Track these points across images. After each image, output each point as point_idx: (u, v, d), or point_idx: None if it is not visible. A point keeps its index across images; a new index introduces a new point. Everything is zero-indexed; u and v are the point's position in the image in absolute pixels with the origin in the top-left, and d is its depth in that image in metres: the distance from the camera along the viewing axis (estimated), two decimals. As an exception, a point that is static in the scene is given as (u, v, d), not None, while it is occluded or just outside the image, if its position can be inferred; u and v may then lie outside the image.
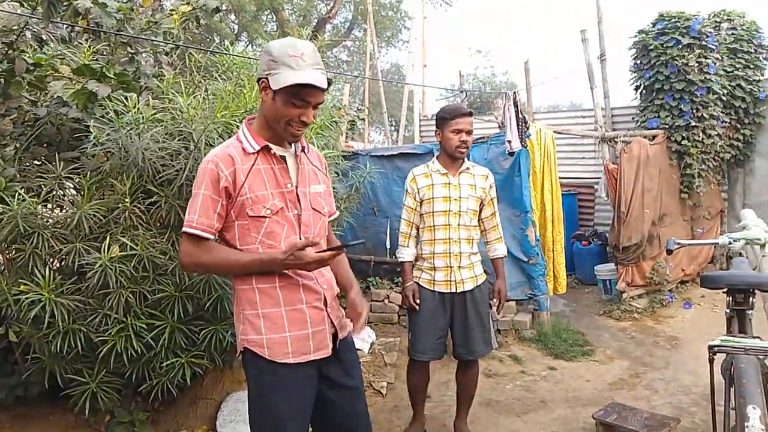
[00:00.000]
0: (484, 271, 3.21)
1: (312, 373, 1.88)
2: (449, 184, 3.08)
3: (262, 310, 1.82)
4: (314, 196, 1.95)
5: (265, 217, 1.80)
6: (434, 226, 3.07)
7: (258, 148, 1.82)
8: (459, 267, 3.07)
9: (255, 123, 1.88)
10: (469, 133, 3.03)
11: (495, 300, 3.21)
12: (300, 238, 1.85)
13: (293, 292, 1.84)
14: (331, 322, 1.92)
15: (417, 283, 3.12)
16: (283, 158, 1.88)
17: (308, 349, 1.85)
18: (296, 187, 1.88)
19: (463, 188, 3.08)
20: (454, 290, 3.07)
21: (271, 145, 1.85)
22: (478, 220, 3.18)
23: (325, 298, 1.90)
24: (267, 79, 1.75)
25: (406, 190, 3.16)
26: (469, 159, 3.21)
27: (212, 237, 1.82)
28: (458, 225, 3.06)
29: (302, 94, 1.75)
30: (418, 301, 3.08)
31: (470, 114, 3.06)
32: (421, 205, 3.11)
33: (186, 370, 2.77)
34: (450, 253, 3.06)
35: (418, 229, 3.16)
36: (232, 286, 1.90)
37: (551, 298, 5.48)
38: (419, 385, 3.30)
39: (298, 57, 1.72)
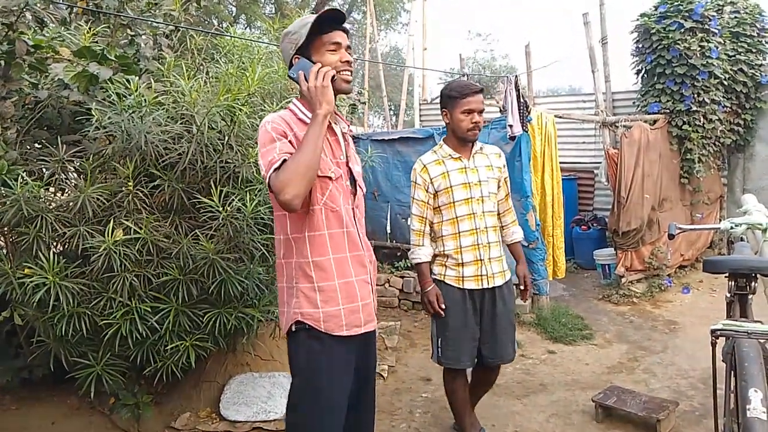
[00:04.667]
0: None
1: (356, 347, 1.93)
2: (466, 168, 2.78)
3: (318, 284, 1.85)
4: (358, 175, 2.05)
5: (331, 178, 1.87)
6: (457, 217, 2.76)
7: None
8: (489, 259, 2.77)
9: (305, 100, 1.92)
10: (480, 112, 2.74)
11: (521, 286, 2.95)
12: (353, 210, 1.96)
13: (344, 265, 1.89)
14: (373, 297, 2.01)
15: (442, 281, 2.80)
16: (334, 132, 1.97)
17: (359, 321, 1.91)
18: (347, 162, 1.98)
19: (481, 171, 2.79)
20: (485, 285, 2.77)
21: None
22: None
23: (370, 273, 1.99)
24: (300, 50, 1.86)
25: (415, 182, 2.82)
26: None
27: None
28: (483, 212, 2.77)
29: (330, 37, 1.86)
30: (443, 306, 2.76)
31: (481, 91, 2.76)
32: (435, 198, 2.80)
33: (190, 353, 2.79)
34: (479, 244, 2.76)
35: (431, 225, 2.85)
36: (279, 261, 1.93)
37: (551, 282, 5.51)
38: (463, 395, 2.96)
39: (309, 17, 1.87)
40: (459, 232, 2.77)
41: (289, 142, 1.80)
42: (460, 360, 2.81)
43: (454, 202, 2.75)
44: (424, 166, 2.81)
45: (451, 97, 2.75)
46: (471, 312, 2.78)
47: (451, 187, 2.76)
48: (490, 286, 2.78)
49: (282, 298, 1.96)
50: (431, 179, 2.78)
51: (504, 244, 2.98)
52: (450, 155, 2.80)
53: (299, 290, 1.86)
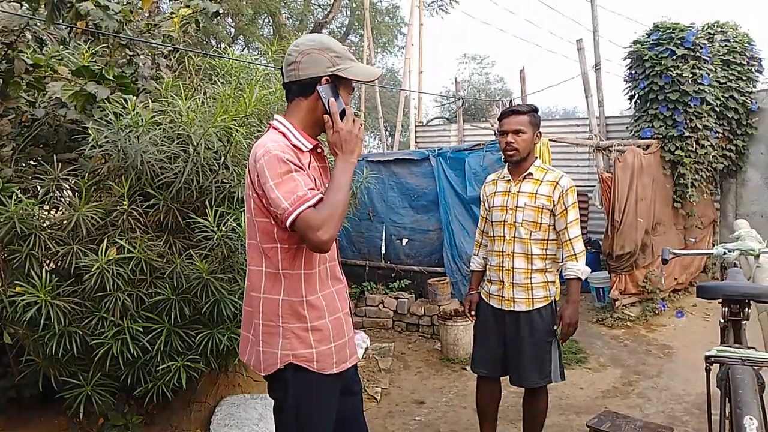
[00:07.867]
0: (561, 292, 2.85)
1: (340, 381, 1.85)
2: (508, 192, 2.83)
3: (311, 323, 1.75)
4: None
5: None
6: (493, 236, 2.88)
7: (311, 146, 1.78)
8: (512, 284, 2.77)
9: (299, 121, 1.79)
10: (516, 132, 2.73)
11: (556, 327, 2.76)
12: (336, 240, 1.88)
13: (332, 300, 1.81)
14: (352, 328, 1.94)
15: (479, 293, 2.98)
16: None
17: (346, 356, 1.84)
18: None
19: (520, 197, 2.77)
20: (504, 307, 2.80)
21: (321, 145, 1.86)
22: (556, 233, 2.80)
23: (349, 304, 1.93)
24: (335, 73, 1.76)
25: (480, 198, 3.04)
26: (512, 162, 2.81)
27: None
28: (513, 237, 2.77)
29: (353, 82, 1.84)
30: (473, 313, 2.95)
31: (518, 112, 2.77)
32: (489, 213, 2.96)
33: (182, 373, 2.75)
34: (502, 267, 2.81)
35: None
36: (256, 295, 1.78)
37: (545, 305, 5.49)
38: (483, 403, 2.99)
39: (350, 52, 1.82)
40: (492, 251, 2.89)
41: (306, 174, 1.68)
42: (475, 364, 2.95)
43: (492, 222, 2.89)
44: (485, 184, 3.02)
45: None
46: (492, 327, 2.86)
47: (492, 207, 2.89)
48: (508, 309, 2.79)
49: (257, 336, 1.78)
50: (486, 197, 2.97)
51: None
52: (504, 177, 2.90)
53: (289, 331, 1.74)
